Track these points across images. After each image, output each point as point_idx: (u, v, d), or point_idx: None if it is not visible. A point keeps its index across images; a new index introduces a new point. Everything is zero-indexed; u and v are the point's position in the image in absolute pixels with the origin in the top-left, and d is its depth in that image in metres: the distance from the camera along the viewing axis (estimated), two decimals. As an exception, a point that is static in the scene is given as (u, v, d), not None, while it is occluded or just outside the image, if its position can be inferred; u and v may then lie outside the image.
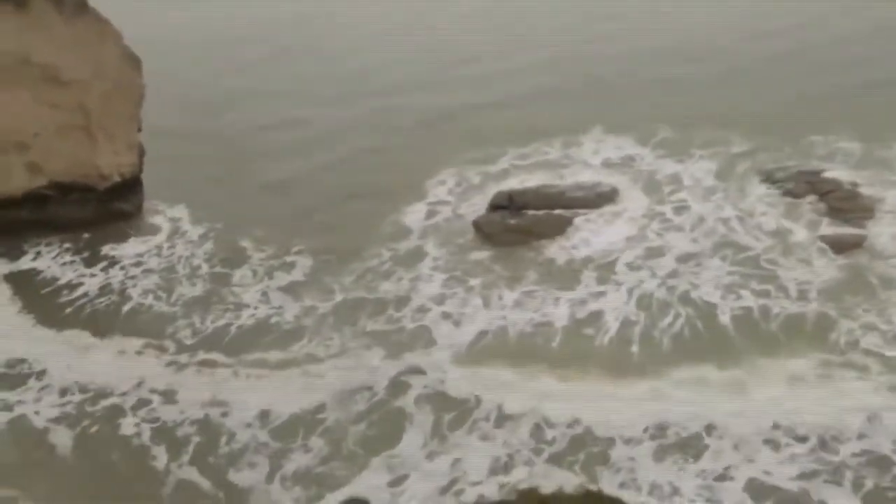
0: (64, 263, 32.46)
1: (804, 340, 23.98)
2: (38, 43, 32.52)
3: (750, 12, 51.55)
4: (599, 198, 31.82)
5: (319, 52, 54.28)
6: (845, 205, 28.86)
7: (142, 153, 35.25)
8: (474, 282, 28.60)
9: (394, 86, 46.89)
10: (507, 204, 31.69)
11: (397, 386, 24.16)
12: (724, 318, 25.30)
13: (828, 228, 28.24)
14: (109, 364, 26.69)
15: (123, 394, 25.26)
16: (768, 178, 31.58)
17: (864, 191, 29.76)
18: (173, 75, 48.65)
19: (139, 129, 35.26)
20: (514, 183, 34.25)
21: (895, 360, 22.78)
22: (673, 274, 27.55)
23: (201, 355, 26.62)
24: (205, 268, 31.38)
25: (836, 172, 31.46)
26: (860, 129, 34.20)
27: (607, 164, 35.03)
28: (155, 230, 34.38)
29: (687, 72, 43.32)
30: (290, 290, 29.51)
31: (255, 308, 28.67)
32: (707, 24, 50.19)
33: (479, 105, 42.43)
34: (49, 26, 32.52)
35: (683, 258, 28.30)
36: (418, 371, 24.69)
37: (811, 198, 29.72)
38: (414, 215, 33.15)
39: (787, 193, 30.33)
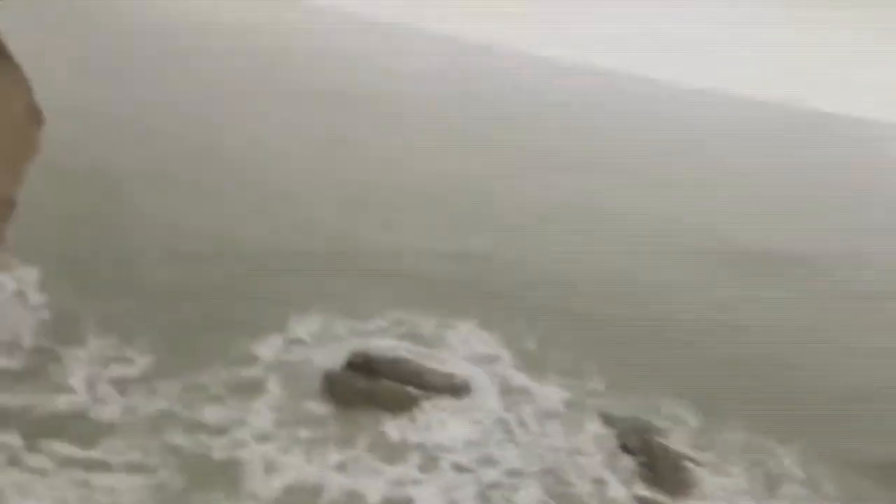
0: None
1: None
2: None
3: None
4: (452, 389, 32.10)
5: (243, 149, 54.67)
6: (668, 473, 29.83)
7: (12, 206, 32.91)
8: (304, 432, 28.05)
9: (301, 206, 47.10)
10: (362, 364, 31.60)
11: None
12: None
13: (645, 490, 29.01)
14: None
15: None
16: (608, 423, 32.53)
17: (690, 465, 30.94)
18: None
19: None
20: (378, 345, 34.38)
21: None
22: (494, 485, 27.64)
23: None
24: (29, 339, 29.43)
25: (673, 440, 32.59)
26: (707, 406, 35.47)
27: (470, 357, 35.58)
28: (-7, 289, 32.10)
29: (587, 301, 44.98)
30: (119, 384, 28.12)
31: (74, 394, 27.05)
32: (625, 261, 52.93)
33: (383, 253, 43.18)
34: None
35: (507, 474, 28.44)
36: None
37: (640, 456, 30.69)
38: (267, 347, 32.63)
39: (622, 446, 31.20)
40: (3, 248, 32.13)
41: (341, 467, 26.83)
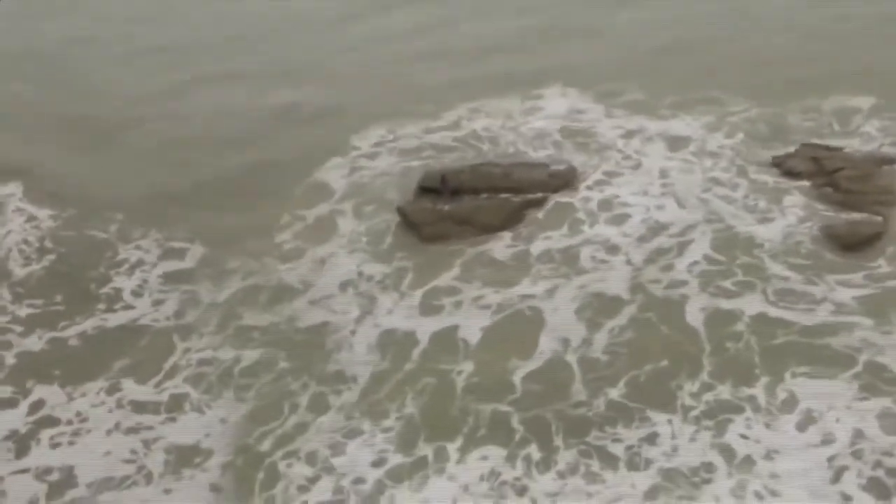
0: None
1: (809, 361, 18.42)
2: None
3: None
4: (553, 178, 25.57)
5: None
6: (858, 186, 22.92)
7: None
8: (387, 269, 22.95)
9: (320, 30, 39.53)
10: (438, 186, 25.49)
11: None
12: (697, 324, 19.69)
13: (835, 216, 22.44)
14: None
15: None
16: (766, 149, 25.58)
17: (885, 169, 23.88)
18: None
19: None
20: (452, 141, 28.51)
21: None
22: (649, 260, 22.01)
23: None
24: (58, 260, 24.90)
25: (850, 145, 25.44)
26: (885, 94, 27.80)
27: (568, 127, 28.78)
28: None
29: (683, 30, 36.05)
30: (177, 279, 23.55)
31: (122, 307, 22.63)
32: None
33: (430, 53, 35.86)
34: None
35: (658, 243, 22.67)
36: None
37: (817, 178, 23.78)
38: (333, 175, 27.33)
39: (788, 171, 24.35)
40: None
41: (434, 308, 21.58)
